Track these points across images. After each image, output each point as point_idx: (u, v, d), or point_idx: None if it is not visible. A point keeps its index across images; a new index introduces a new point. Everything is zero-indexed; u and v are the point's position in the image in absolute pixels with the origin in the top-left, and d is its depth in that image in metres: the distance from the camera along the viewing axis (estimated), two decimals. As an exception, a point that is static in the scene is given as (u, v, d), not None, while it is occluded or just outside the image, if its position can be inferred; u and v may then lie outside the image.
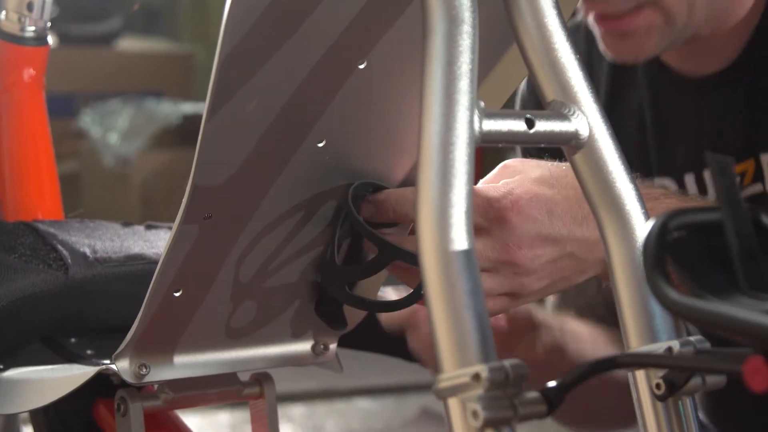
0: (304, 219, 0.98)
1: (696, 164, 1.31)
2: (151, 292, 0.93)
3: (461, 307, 0.74)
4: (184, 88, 4.54)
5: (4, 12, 1.28)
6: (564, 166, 1.00)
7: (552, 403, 0.75)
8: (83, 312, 1.08)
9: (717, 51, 1.30)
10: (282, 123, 0.91)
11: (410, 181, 1.02)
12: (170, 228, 1.07)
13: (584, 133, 0.86)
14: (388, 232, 1.00)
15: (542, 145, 0.86)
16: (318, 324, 1.04)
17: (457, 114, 0.77)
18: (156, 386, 1.02)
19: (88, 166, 4.23)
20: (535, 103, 1.39)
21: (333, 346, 1.06)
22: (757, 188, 1.29)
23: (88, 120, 4.22)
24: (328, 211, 0.98)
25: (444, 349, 0.74)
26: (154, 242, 1.14)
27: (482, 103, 0.79)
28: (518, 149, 1.38)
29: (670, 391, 0.84)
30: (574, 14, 1.35)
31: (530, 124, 0.83)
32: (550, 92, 0.86)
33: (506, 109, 0.86)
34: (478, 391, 0.73)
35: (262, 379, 1.06)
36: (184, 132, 4.12)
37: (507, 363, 0.73)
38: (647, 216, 0.86)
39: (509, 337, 1.21)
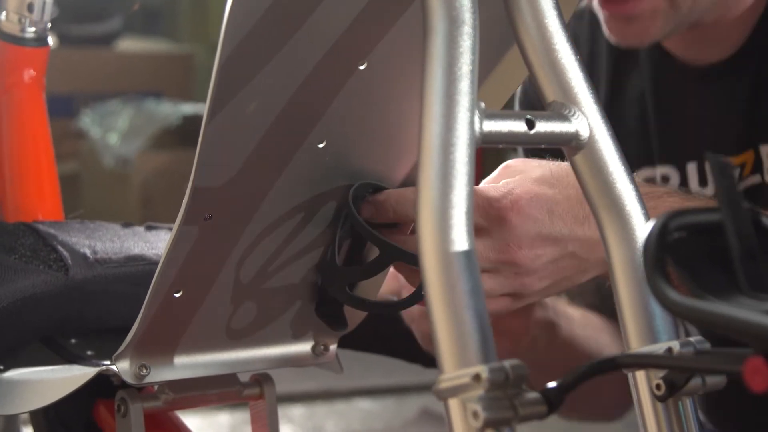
0: (305, 220, 0.98)
1: (697, 153, 1.31)
2: (152, 293, 0.93)
3: (462, 307, 0.74)
4: (184, 88, 4.54)
5: (4, 13, 1.28)
6: (565, 166, 1.00)
7: (552, 403, 0.75)
8: (83, 313, 1.08)
9: (721, 39, 1.29)
10: (282, 124, 0.91)
11: (410, 181, 1.02)
12: (170, 229, 1.07)
13: (584, 133, 0.86)
14: (388, 233, 1.00)
15: (542, 146, 0.86)
16: (318, 325, 1.04)
17: (457, 115, 0.77)
18: (156, 387, 1.02)
19: (88, 167, 4.23)
20: (527, 104, 1.39)
21: (333, 347, 1.06)
22: (755, 179, 1.29)
23: (87, 120, 4.22)
24: (328, 212, 0.98)
25: (444, 350, 0.74)
26: (155, 243, 1.14)
27: (483, 104, 0.79)
28: (520, 149, 1.38)
29: (670, 392, 0.84)
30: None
31: (530, 125, 0.83)
32: (550, 93, 0.86)
33: (507, 110, 0.86)
34: (479, 391, 0.73)
35: (262, 379, 1.06)
36: (184, 132, 4.12)
37: (507, 364, 0.73)
38: (647, 217, 0.86)
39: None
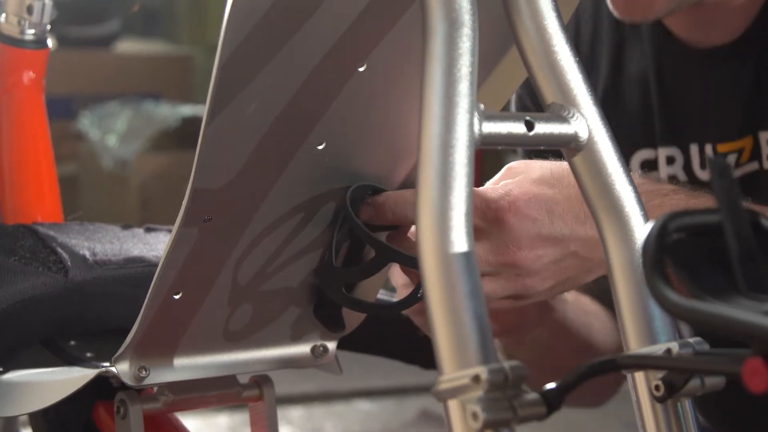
0: (304, 221, 0.98)
1: (699, 136, 1.30)
2: (151, 294, 0.93)
3: (461, 309, 0.74)
4: (183, 90, 4.54)
5: (3, 15, 1.28)
6: (566, 165, 1.00)
7: (551, 404, 0.76)
8: (83, 314, 1.09)
9: (725, 22, 1.28)
10: (282, 125, 0.91)
11: (409, 183, 1.02)
12: (170, 231, 1.07)
13: (583, 135, 0.86)
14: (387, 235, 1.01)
15: (542, 148, 0.86)
16: (317, 326, 1.04)
17: (456, 116, 0.77)
18: (155, 389, 1.02)
19: (87, 168, 4.24)
20: (521, 105, 1.38)
21: (332, 349, 1.06)
22: (752, 167, 1.28)
23: (86, 122, 4.23)
24: (327, 214, 0.99)
25: (444, 351, 0.74)
26: (154, 245, 1.14)
27: (482, 106, 0.79)
28: (520, 150, 1.38)
29: (669, 393, 0.84)
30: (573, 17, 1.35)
31: (530, 126, 0.83)
32: (549, 94, 0.86)
33: (506, 112, 0.86)
34: (478, 392, 0.73)
35: (261, 381, 1.06)
36: (183, 134, 4.12)
37: (506, 365, 0.74)
38: (646, 218, 0.87)
39: None
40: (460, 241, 0.75)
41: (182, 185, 0.90)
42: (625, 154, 1.32)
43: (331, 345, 1.06)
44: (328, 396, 3.21)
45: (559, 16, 0.86)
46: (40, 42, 1.29)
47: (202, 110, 0.87)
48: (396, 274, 1.06)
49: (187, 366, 0.99)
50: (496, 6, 0.86)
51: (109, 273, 1.09)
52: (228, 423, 3.02)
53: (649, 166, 1.33)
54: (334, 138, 0.94)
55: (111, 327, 1.09)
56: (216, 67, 0.84)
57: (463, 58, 0.78)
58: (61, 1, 1.31)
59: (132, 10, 4.89)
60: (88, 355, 1.08)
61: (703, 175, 1.31)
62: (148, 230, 1.18)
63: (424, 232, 0.75)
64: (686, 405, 0.85)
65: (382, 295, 1.09)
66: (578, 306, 1.29)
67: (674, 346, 0.84)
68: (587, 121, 0.86)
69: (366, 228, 0.98)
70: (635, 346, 0.85)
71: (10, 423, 1.33)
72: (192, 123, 4.11)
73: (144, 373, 0.97)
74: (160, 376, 0.98)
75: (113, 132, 4.16)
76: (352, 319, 1.06)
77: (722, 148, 1.29)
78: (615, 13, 1.26)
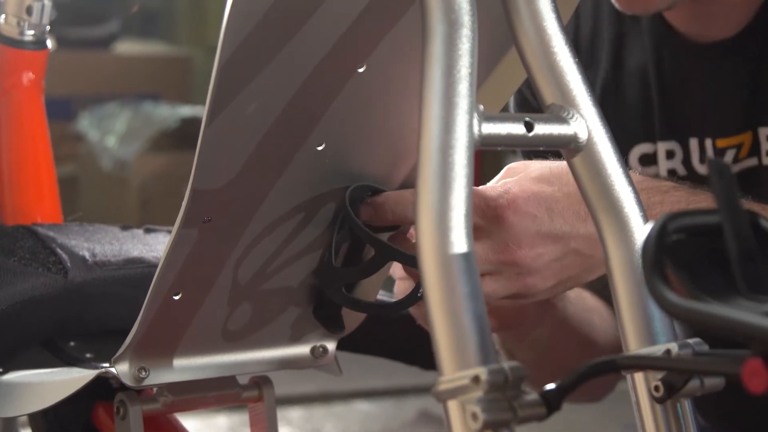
0: (304, 222, 0.98)
1: (699, 130, 1.30)
2: (151, 295, 0.93)
3: (461, 309, 0.74)
4: (182, 91, 4.54)
5: (3, 16, 1.28)
6: (565, 164, 1.00)
7: (551, 405, 0.76)
8: (83, 315, 1.09)
9: (725, 17, 1.27)
10: (281, 126, 0.91)
11: (409, 184, 1.02)
12: (169, 231, 1.08)
13: (583, 136, 0.86)
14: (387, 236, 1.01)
15: (541, 149, 0.86)
16: (317, 327, 1.04)
17: (456, 117, 0.77)
18: (155, 389, 1.02)
19: (86, 169, 4.23)
20: (520, 97, 1.38)
21: (332, 349, 1.06)
22: (751, 162, 1.28)
23: (86, 123, 4.23)
24: (327, 214, 0.99)
25: (443, 352, 0.74)
26: (153, 246, 1.14)
27: (481, 107, 0.79)
28: (519, 151, 1.37)
29: (668, 393, 0.84)
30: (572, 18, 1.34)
31: (529, 127, 0.83)
32: (548, 95, 0.86)
33: (505, 113, 0.86)
34: (478, 393, 0.73)
35: (261, 382, 1.06)
36: (182, 135, 4.12)
37: (506, 365, 0.74)
38: (646, 219, 0.87)
39: None
40: (459, 242, 0.75)
41: (181, 186, 0.90)
42: (625, 148, 1.32)
43: (331, 346, 1.06)
44: (327, 397, 3.21)
45: (559, 17, 0.86)
46: (39, 43, 1.29)
47: (202, 111, 0.87)
48: (396, 266, 1.05)
49: (187, 367, 0.99)
50: (495, 7, 0.86)
51: (108, 274, 1.09)
52: (227, 423, 3.02)
53: (648, 160, 1.32)
54: (333, 139, 0.95)
55: (110, 328, 1.09)
56: (216, 68, 0.84)
57: (463, 59, 0.78)
58: (61, 1, 1.31)
59: (131, 11, 4.89)
60: (88, 355, 1.08)
61: (703, 169, 1.30)
62: (148, 231, 1.18)
63: (424, 233, 0.75)
64: (686, 406, 0.85)
65: (382, 295, 1.09)
66: (579, 302, 1.28)
67: (674, 346, 0.84)
68: (586, 122, 0.86)
69: (365, 227, 0.98)
70: (635, 346, 0.85)
71: (10, 424, 1.33)
72: (191, 124, 4.11)
73: (144, 373, 0.97)
74: (159, 376, 0.98)
75: (112, 133, 4.16)
76: (352, 319, 1.06)
77: (721, 143, 1.29)
78: (616, 5, 1.25)
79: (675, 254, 0.70)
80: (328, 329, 1.04)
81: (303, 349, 1.05)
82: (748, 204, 1.09)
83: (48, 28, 1.29)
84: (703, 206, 1.08)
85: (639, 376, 0.85)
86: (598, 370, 0.77)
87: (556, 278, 1.01)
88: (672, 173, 1.31)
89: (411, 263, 0.98)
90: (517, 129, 0.83)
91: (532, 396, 0.75)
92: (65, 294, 1.07)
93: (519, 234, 0.99)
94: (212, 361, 1.01)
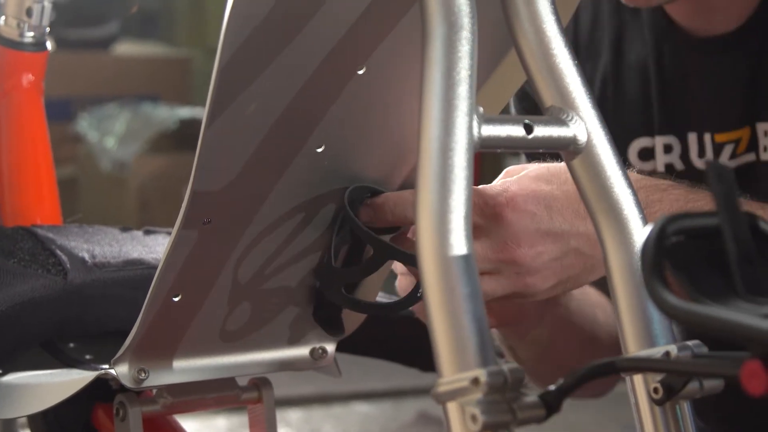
0: (303, 224, 0.98)
1: (697, 125, 1.30)
2: (150, 296, 0.94)
3: (460, 311, 0.74)
4: (181, 92, 4.54)
5: (3, 18, 1.28)
6: (564, 164, 1.00)
7: (550, 407, 0.76)
8: (82, 317, 1.09)
9: (726, 10, 1.27)
10: (281, 128, 0.91)
11: (408, 185, 1.02)
12: (169, 233, 1.08)
13: (582, 138, 0.86)
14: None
15: (540, 151, 0.86)
16: (316, 329, 1.04)
17: (456, 119, 0.77)
18: (155, 391, 1.02)
19: (85, 171, 4.23)
20: (520, 99, 1.38)
21: (331, 351, 1.06)
22: (749, 157, 1.28)
23: (85, 124, 4.22)
24: (327, 216, 0.99)
25: (443, 354, 0.74)
26: (153, 247, 1.14)
27: (481, 109, 0.79)
28: (523, 155, 1.37)
29: (667, 395, 0.84)
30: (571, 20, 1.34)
31: (529, 129, 0.83)
32: (548, 98, 0.86)
33: (505, 115, 0.86)
34: (477, 395, 0.73)
35: (260, 383, 1.06)
36: (181, 136, 4.12)
37: (506, 367, 0.74)
38: (645, 221, 0.87)
39: None
40: (459, 244, 0.75)
41: (181, 187, 0.90)
42: (624, 142, 1.32)
43: (330, 347, 1.06)
44: (326, 398, 3.21)
45: (558, 20, 0.86)
46: (39, 44, 1.29)
47: (201, 112, 0.87)
48: (396, 262, 1.05)
49: (187, 368, 1.00)
50: (495, 9, 0.86)
51: (108, 275, 1.09)
52: (226, 425, 3.02)
53: (648, 154, 1.32)
54: (333, 141, 0.95)
55: (110, 329, 1.09)
56: (216, 70, 0.84)
57: (462, 61, 0.78)
58: (60, 3, 1.31)
59: (130, 12, 4.89)
60: (87, 357, 1.08)
61: (700, 164, 1.30)
62: (147, 232, 1.18)
63: (424, 235, 0.75)
64: (685, 407, 0.85)
65: (381, 297, 1.09)
66: (583, 297, 1.28)
67: (673, 348, 0.84)
68: (586, 124, 0.86)
69: (365, 227, 0.98)
70: (634, 348, 0.85)
71: (9, 425, 1.33)
72: (190, 125, 4.11)
73: (143, 375, 0.97)
74: (159, 378, 0.98)
75: (112, 134, 4.16)
76: (351, 321, 1.06)
77: (720, 137, 1.29)
78: None
79: (674, 256, 0.70)
80: (328, 331, 1.04)
81: (302, 351, 1.05)
82: (747, 204, 1.09)
83: (47, 29, 1.29)
84: (701, 206, 1.08)
85: (638, 378, 0.86)
86: (597, 372, 0.77)
87: (556, 278, 1.01)
88: (669, 167, 1.31)
89: (411, 262, 0.98)
90: (517, 131, 0.83)
91: (532, 398, 0.75)
92: (65, 295, 1.07)
93: (518, 232, 0.99)
94: (212, 362, 1.01)
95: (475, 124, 0.78)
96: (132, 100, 4.32)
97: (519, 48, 0.86)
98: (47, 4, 1.27)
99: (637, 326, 0.85)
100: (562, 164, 1.01)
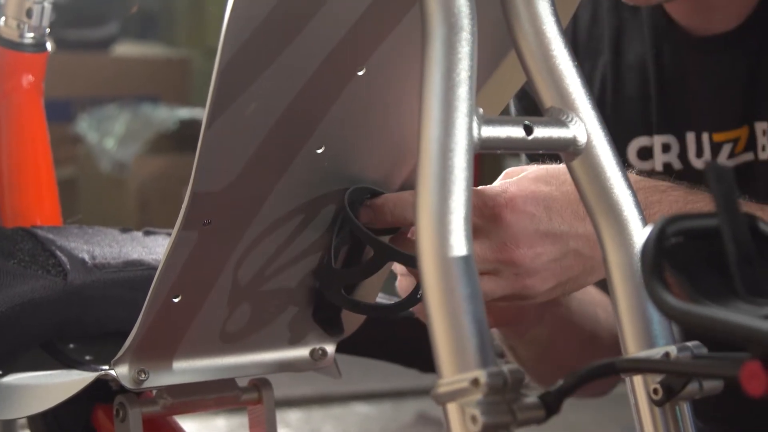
0: (303, 224, 0.98)
1: (696, 124, 1.30)
2: (150, 297, 0.94)
3: (460, 312, 0.74)
4: (181, 92, 4.54)
5: (3, 18, 1.28)
6: (563, 166, 1.00)
7: (550, 408, 0.76)
8: (82, 318, 1.09)
9: (725, 9, 1.27)
10: (281, 129, 0.91)
11: (408, 186, 1.02)
12: (168, 234, 1.08)
13: (582, 139, 0.86)
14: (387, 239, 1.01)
15: (540, 152, 0.86)
16: (316, 330, 1.04)
17: (456, 120, 0.77)
18: (155, 392, 1.02)
19: (85, 171, 4.23)
20: (519, 107, 1.38)
21: (331, 352, 1.06)
22: (747, 157, 1.27)
23: (84, 125, 4.22)
24: (326, 217, 0.99)
25: (443, 354, 0.74)
26: (153, 248, 1.14)
27: (481, 110, 0.79)
28: (523, 157, 1.37)
29: (667, 396, 0.84)
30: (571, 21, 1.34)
31: (528, 130, 0.83)
32: (548, 99, 0.86)
33: (505, 116, 0.86)
34: (477, 396, 0.73)
35: (260, 384, 1.06)
36: (181, 137, 4.12)
37: (506, 368, 0.74)
38: (645, 222, 0.87)
39: None
40: (459, 245, 0.75)
41: (181, 188, 0.90)
42: (624, 141, 1.32)
43: (330, 348, 1.06)
44: (326, 399, 3.21)
45: (558, 21, 0.86)
46: (39, 45, 1.29)
47: (200, 113, 0.87)
48: (397, 264, 1.05)
49: (187, 369, 1.00)
50: (494, 10, 0.86)
51: (108, 276, 1.09)
52: (226, 425, 3.02)
53: (647, 153, 1.32)
54: (333, 142, 0.95)
55: (110, 330, 1.09)
56: (216, 71, 0.84)
57: (462, 63, 0.78)
58: (60, 3, 1.31)
59: (130, 13, 4.89)
60: (87, 358, 1.08)
61: (699, 163, 1.30)
62: (147, 233, 1.18)
63: (424, 236, 0.75)
64: (684, 408, 0.85)
65: (381, 298, 1.09)
66: (584, 295, 1.27)
67: (672, 349, 0.84)
68: (586, 125, 0.86)
69: (365, 228, 0.98)
70: (634, 349, 0.85)
71: (9, 426, 1.33)
72: (190, 126, 4.11)
73: (143, 376, 0.97)
74: (159, 379, 0.98)
75: (111, 135, 4.16)
76: (351, 322, 1.06)
77: (718, 137, 1.29)
78: None
79: (674, 257, 0.70)
80: (328, 332, 1.04)
81: (302, 352, 1.05)
82: (746, 205, 1.09)
83: (47, 30, 1.29)
84: (700, 207, 1.08)
85: (638, 379, 0.86)
86: (597, 373, 0.77)
87: (555, 279, 1.01)
88: (667, 167, 1.31)
89: (410, 264, 0.98)
90: (517, 132, 0.83)
91: (531, 399, 0.75)
92: (65, 296, 1.07)
93: (517, 233, 0.99)
94: (212, 363, 1.01)
95: (475, 125, 0.79)
96: (132, 100, 4.32)
97: (519, 49, 0.86)
98: (47, 5, 1.27)
99: (637, 327, 0.85)
100: (561, 166, 1.01)
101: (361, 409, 3.23)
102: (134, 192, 4.09)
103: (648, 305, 0.85)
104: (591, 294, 1.29)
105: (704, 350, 0.83)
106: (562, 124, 0.85)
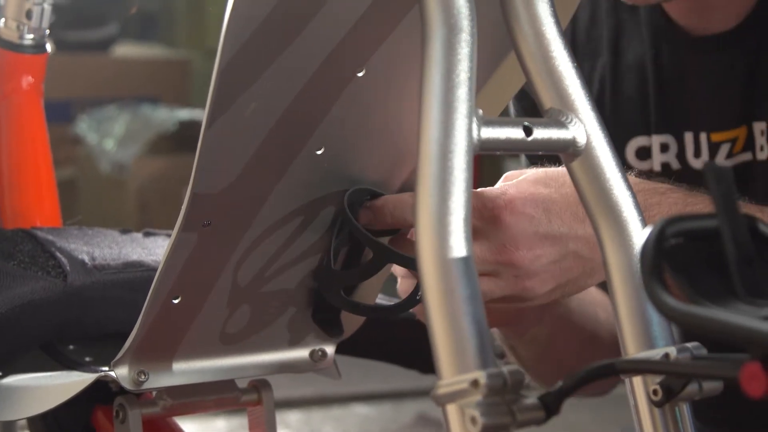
0: (303, 226, 0.98)
1: (694, 124, 1.30)
2: (150, 299, 0.94)
3: (460, 313, 0.74)
4: (181, 93, 4.54)
5: (3, 20, 1.28)
6: (562, 168, 1.00)
7: (550, 409, 0.76)
8: (82, 319, 1.09)
9: (724, 9, 1.27)
10: (281, 130, 0.91)
11: (407, 188, 1.02)
12: (168, 235, 1.08)
13: (582, 140, 0.86)
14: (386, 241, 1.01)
15: (540, 153, 0.86)
16: (316, 331, 1.04)
17: (455, 122, 0.77)
18: (154, 393, 1.02)
19: (85, 172, 4.23)
20: (518, 107, 1.38)
21: (331, 353, 1.06)
22: (746, 157, 1.27)
23: (84, 126, 4.22)
24: (326, 218, 0.99)
25: (443, 356, 0.74)
26: (152, 249, 1.14)
27: (480, 111, 0.79)
28: (523, 158, 1.37)
29: (667, 397, 0.84)
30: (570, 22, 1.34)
31: (528, 131, 0.83)
32: (547, 100, 0.86)
33: (504, 117, 0.86)
34: (477, 397, 0.73)
35: (260, 385, 1.06)
36: (181, 138, 4.12)
37: (505, 369, 0.74)
38: (644, 223, 0.87)
39: None
40: (458, 246, 0.75)
41: (180, 189, 0.90)
42: (622, 141, 1.32)
43: (330, 349, 1.06)
44: (326, 400, 3.21)
45: (557, 22, 0.86)
46: (39, 47, 1.29)
47: (200, 114, 0.87)
48: (398, 266, 1.05)
49: (186, 370, 1.00)
50: (494, 11, 0.86)
51: (107, 277, 1.09)
52: (226, 426, 3.02)
53: (646, 153, 1.32)
54: (332, 143, 0.95)
55: (110, 331, 1.09)
56: (215, 72, 0.84)
57: (462, 64, 0.78)
58: (59, 4, 1.31)
59: (130, 14, 4.89)
60: (87, 359, 1.08)
61: (697, 163, 1.30)
62: (147, 234, 1.18)
63: (423, 237, 0.75)
64: (684, 409, 0.86)
65: (381, 299, 1.09)
66: (584, 295, 1.27)
67: (672, 350, 0.84)
68: (585, 127, 0.86)
69: (365, 230, 0.98)
70: (633, 350, 0.85)
71: (9, 427, 1.33)
72: (190, 127, 4.10)
73: (143, 377, 0.97)
74: (159, 380, 0.98)
75: (111, 136, 4.16)
76: (351, 323, 1.06)
77: (716, 137, 1.29)
78: None
79: (673, 258, 0.70)
80: (327, 333, 1.04)
81: (302, 353, 1.05)
82: (745, 206, 1.09)
83: (47, 31, 1.29)
84: (700, 209, 1.08)
85: (637, 380, 0.86)
86: (596, 374, 0.77)
87: (554, 281, 1.01)
88: (666, 167, 1.31)
89: (410, 265, 0.98)
90: (516, 133, 0.83)
91: (531, 400, 0.75)
92: (64, 298, 1.07)
93: (516, 235, 0.99)
94: (211, 364, 1.01)
95: (474, 126, 0.79)
96: (131, 101, 4.32)
97: (518, 50, 0.86)
98: (47, 7, 1.27)
99: (637, 328, 0.85)
100: (560, 169, 1.01)
101: (360, 410, 3.23)
102: (134, 193, 4.09)
103: (647, 306, 0.85)
104: (591, 294, 1.29)
105: (704, 351, 0.83)
106: (562, 125, 0.85)
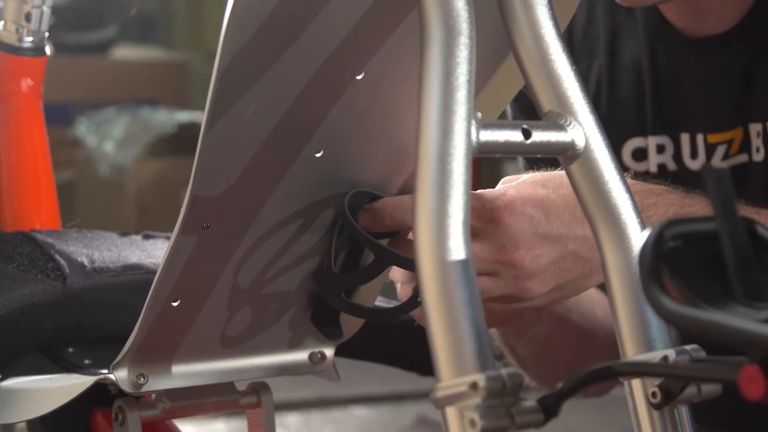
0: (302, 228, 0.98)
1: (690, 125, 1.30)
2: (149, 301, 0.94)
3: (459, 316, 0.74)
4: (180, 96, 4.54)
5: (2, 23, 1.28)
6: (559, 171, 1.00)
7: (549, 411, 0.76)
8: (81, 322, 1.09)
9: (720, 11, 1.27)
10: (280, 133, 0.91)
11: (407, 190, 1.02)
12: (167, 238, 1.08)
13: (580, 143, 0.86)
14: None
15: (538, 156, 0.86)
16: (315, 333, 1.04)
17: (454, 124, 0.77)
18: (154, 395, 1.02)
19: (84, 175, 4.23)
20: (516, 109, 1.38)
21: (330, 356, 1.06)
22: (742, 158, 1.28)
23: (83, 128, 4.22)
24: (326, 221, 0.99)
25: (442, 358, 0.75)
26: (152, 252, 1.14)
27: (479, 114, 0.80)
28: (520, 160, 1.37)
29: (665, 400, 0.84)
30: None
31: (527, 134, 0.83)
32: (546, 103, 0.86)
33: (503, 120, 0.87)
34: (476, 399, 0.73)
35: (259, 388, 1.06)
36: (180, 140, 4.12)
37: (504, 372, 0.74)
38: (643, 225, 0.87)
39: None
40: (457, 249, 0.75)
41: (179, 192, 0.90)
42: (619, 142, 1.32)
43: (329, 352, 1.06)
44: (325, 402, 3.21)
45: (556, 25, 0.86)
46: (38, 49, 1.29)
47: (199, 116, 0.87)
48: (397, 270, 1.05)
49: (185, 373, 1.00)
50: (493, 14, 0.86)
51: (107, 280, 1.09)
52: (225, 429, 3.02)
53: (642, 155, 1.32)
54: (332, 145, 0.95)
55: (109, 334, 1.09)
56: (215, 74, 0.84)
57: (461, 67, 0.78)
58: (58, 7, 1.31)
59: (130, 13, 4.89)
60: (87, 362, 1.08)
61: (693, 164, 1.30)
62: (146, 237, 1.18)
63: (422, 240, 0.76)
64: (683, 412, 0.86)
65: (380, 302, 1.09)
66: (583, 294, 1.28)
67: (671, 353, 0.84)
68: (584, 129, 0.86)
69: (364, 232, 0.98)
70: (632, 353, 0.85)
71: (9, 430, 1.33)
72: (189, 129, 4.10)
73: (142, 380, 0.97)
74: (158, 383, 0.98)
75: (110, 138, 4.16)
76: (350, 325, 1.06)
77: (713, 138, 1.29)
78: None
79: (672, 261, 0.70)
80: (327, 335, 1.05)
81: (301, 355, 1.05)
82: (743, 209, 1.09)
83: (46, 34, 1.29)
84: (696, 211, 1.08)
85: (636, 382, 0.86)
86: (595, 376, 0.77)
87: (554, 282, 1.01)
88: (662, 168, 1.31)
89: (410, 267, 0.98)
90: (515, 136, 0.83)
91: (530, 402, 0.75)
92: (64, 300, 1.07)
93: (516, 235, 0.99)
94: (211, 367, 1.01)
95: (473, 129, 0.79)
96: (131, 104, 4.32)
97: (517, 53, 0.86)
98: (46, 9, 1.27)
99: (635, 330, 0.85)
100: (558, 171, 1.01)
101: (360, 412, 3.23)
102: (133, 195, 4.09)
103: (646, 309, 0.85)
104: (589, 293, 1.29)
105: (702, 354, 0.83)
106: (560, 128, 0.86)
